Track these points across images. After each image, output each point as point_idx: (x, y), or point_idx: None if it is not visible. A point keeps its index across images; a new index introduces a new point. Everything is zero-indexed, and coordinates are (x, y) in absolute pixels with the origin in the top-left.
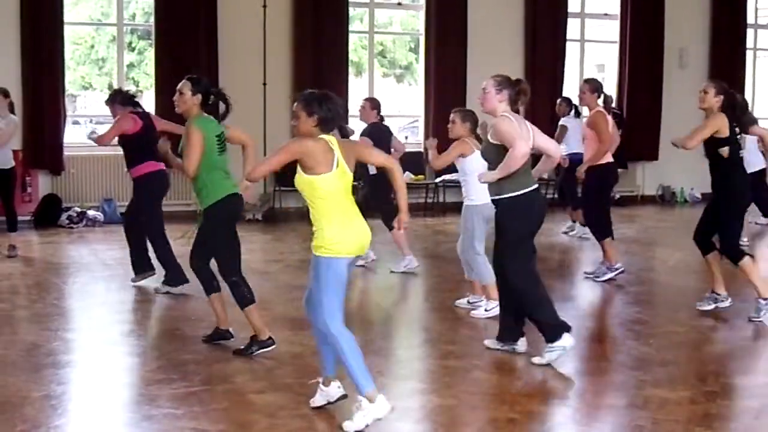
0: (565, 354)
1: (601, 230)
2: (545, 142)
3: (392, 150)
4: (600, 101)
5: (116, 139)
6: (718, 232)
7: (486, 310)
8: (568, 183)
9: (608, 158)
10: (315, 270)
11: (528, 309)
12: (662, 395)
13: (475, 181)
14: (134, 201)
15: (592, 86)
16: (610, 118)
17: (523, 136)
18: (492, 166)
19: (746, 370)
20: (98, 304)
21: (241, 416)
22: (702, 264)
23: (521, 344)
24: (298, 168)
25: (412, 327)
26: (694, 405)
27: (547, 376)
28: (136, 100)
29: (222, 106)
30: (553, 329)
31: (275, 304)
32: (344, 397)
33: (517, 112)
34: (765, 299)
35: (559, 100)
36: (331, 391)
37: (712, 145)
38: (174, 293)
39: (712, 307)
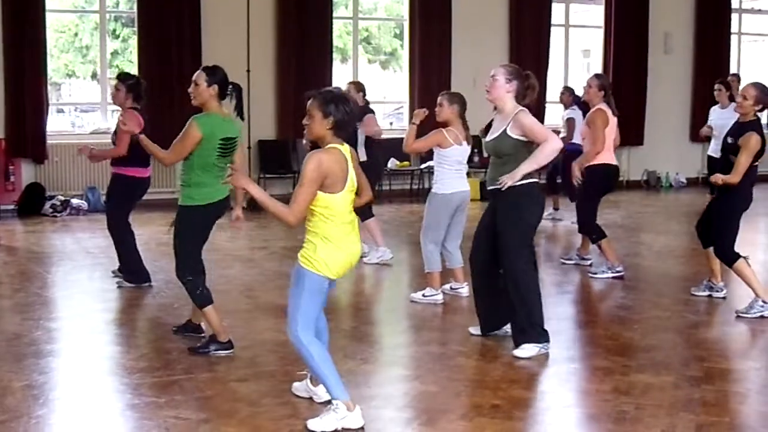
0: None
1: (596, 231)
2: None
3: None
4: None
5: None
6: (713, 234)
7: (424, 296)
8: (566, 174)
9: (612, 160)
10: (296, 276)
11: (526, 307)
12: (646, 380)
13: (449, 170)
14: (111, 196)
15: (600, 83)
16: (614, 119)
17: None
18: (505, 159)
19: (730, 355)
20: (81, 293)
21: (224, 404)
22: (687, 249)
23: (506, 331)
24: None
25: (396, 313)
26: (678, 390)
27: (531, 362)
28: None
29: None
30: (540, 332)
31: (260, 291)
32: (330, 401)
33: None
34: (766, 302)
35: (561, 89)
36: (318, 392)
37: (736, 152)
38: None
39: (706, 294)
